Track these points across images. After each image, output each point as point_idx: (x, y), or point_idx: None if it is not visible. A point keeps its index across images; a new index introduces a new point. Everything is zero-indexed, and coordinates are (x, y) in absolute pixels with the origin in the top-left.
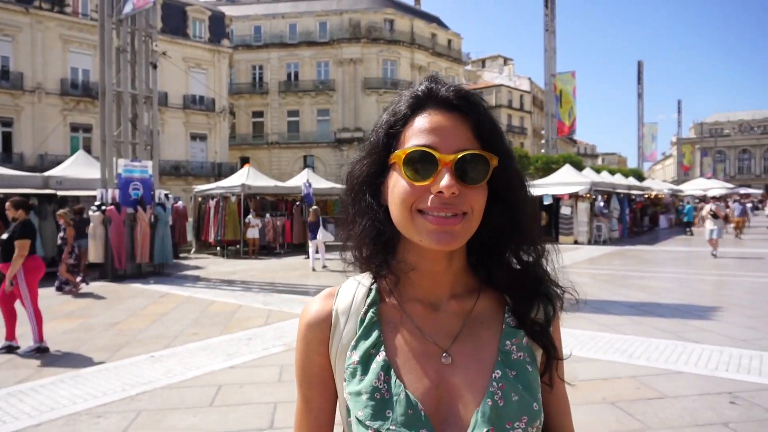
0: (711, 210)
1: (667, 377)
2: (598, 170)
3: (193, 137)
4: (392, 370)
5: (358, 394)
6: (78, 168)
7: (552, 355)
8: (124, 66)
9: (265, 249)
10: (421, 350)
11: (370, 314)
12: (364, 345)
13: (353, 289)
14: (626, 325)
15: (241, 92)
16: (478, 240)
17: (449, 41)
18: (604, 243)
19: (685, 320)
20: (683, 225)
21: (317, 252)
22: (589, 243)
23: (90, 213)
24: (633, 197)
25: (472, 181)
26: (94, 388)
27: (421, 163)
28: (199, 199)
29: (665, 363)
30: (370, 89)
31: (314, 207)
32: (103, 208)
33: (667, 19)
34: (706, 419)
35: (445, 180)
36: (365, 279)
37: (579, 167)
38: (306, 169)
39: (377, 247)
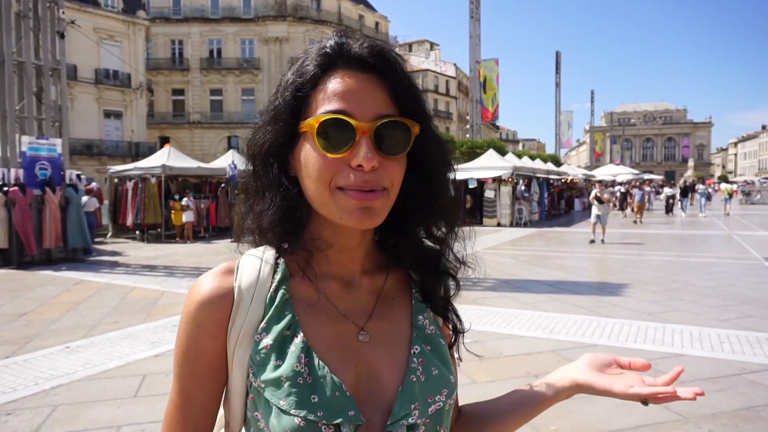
0: (596, 194)
1: (583, 350)
2: (519, 155)
3: (107, 114)
4: (313, 352)
5: (278, 381)
6: None
7: (458, 329)
8: (26, 34)
9: None
10: (338, 329)
11: (281, 292)
12: (278, 327)
13: (257, 265)
14: (546, 303)
15: (160, 68)
16: (389, 214)
17: (377, 23)
18: (525, 225)
19: (598, 297)
20: None
21: None
22: (511, 225)
23: None
24: (551, 182)
25: (393, 152)
26: (2, 384)
27: (336, 132)
28: (116, 180)
29: (582, 337)
30: None
31: None
32: (6, 189)
33: (583, 11)
34: None
35: (365, 151)
36: (267, 254)
37: (502, 152)
38: (231, 150)
39: (289, 223)
